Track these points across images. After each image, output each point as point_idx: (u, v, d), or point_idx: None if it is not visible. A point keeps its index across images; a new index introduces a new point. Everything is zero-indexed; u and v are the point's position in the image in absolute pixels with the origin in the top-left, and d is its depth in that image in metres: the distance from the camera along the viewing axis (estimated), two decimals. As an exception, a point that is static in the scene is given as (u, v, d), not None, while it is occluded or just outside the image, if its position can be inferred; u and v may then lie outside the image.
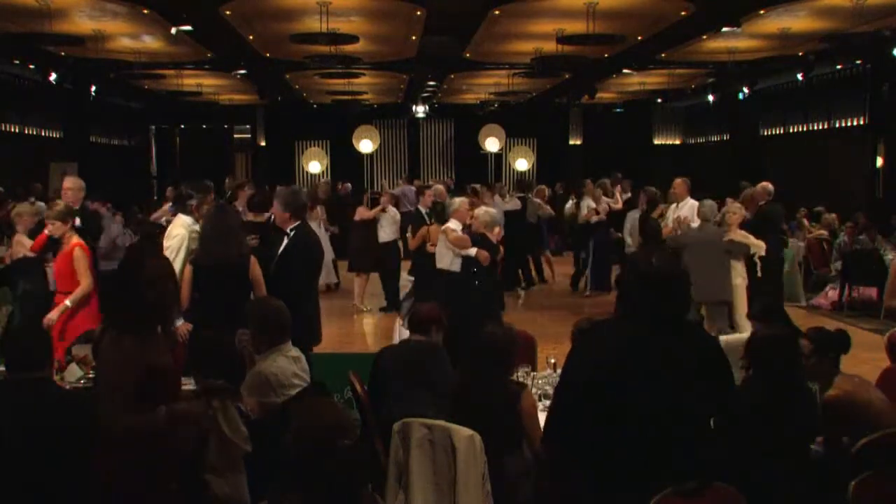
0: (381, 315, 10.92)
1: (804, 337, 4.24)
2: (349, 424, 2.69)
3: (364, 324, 10.76)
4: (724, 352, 3.18)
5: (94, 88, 17.19)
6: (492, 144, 22.23)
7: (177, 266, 5.92)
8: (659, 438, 2.89)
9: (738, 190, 11.07)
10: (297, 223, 6.05)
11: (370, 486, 4.21)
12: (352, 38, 11.54)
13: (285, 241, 6.01)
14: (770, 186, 9.89)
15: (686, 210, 9.57)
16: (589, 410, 2.96)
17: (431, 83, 19.01)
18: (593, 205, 12.14)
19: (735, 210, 8.15)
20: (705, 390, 3.00)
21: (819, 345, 4.13)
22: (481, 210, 7.94)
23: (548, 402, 4.52)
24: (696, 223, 8.68)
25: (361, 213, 11.22)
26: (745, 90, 18.12)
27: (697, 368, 3.00)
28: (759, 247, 7.94)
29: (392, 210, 11.37)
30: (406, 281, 10.18)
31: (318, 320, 6.09)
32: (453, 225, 7.68)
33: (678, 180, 10.02)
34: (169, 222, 7.22)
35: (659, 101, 22.46)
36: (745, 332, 5.77)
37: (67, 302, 5.87)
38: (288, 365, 4.39)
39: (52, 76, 14.48)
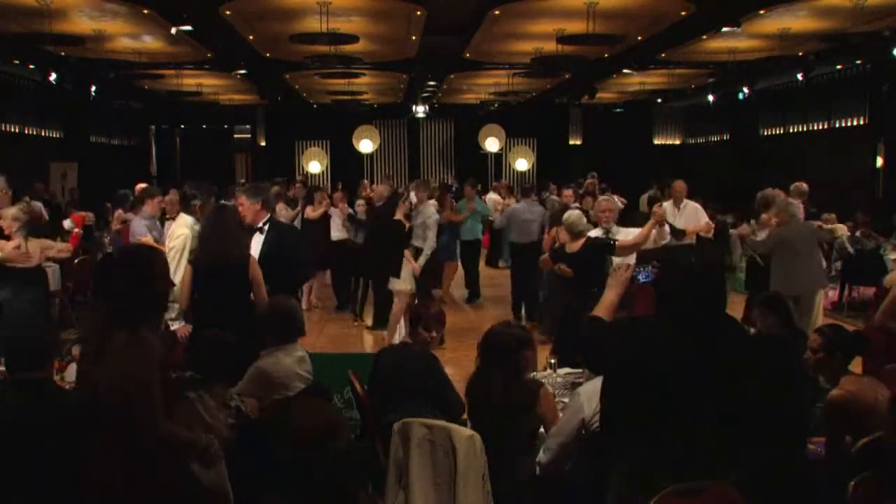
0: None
1: (816, 331, 4.24)
2: (342, 426, 2.69)
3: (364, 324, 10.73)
4: (760, 349, 3.14)
5: (94, 88, 17.21)
6: (492, 144, 22.24)
7: (181, 267, 5.90)
8: (705, 438, 2.89)
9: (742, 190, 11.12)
10: (268, 216, 5.96)
11: (370, 485, 4.23)
12: (352, 38, 11.53)
13: (260, 238, 5.85)
14: (804, 186, 9.91)
15: (689, 211, 9.57)
16: (633, 411, 2.95)
17: (431, 83, 19.01)
18: None
19: None
20: (747, 388, 2.98)
21: (829, 341, 4.12)
22: (567, 214, 7.03)
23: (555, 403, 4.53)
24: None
25: (308, 212, 11.03)
26: (745, 90, 18.13)
27: (739, 367, 2.99)
28: (843, 229, 8.95)
29: (344, 208, 11.31)
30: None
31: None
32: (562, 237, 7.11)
33: (681, 182, 10.05)
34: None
35: (659, 101, 22.46)
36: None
37: None
38: (290, 364, 4.40)
39: (52, 76, 14.48)
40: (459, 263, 12.34)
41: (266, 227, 5.89)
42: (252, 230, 5.88)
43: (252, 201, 5.86)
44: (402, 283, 8.78)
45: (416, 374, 4.39)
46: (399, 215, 8.98)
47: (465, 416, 4.22)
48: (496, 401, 3.90)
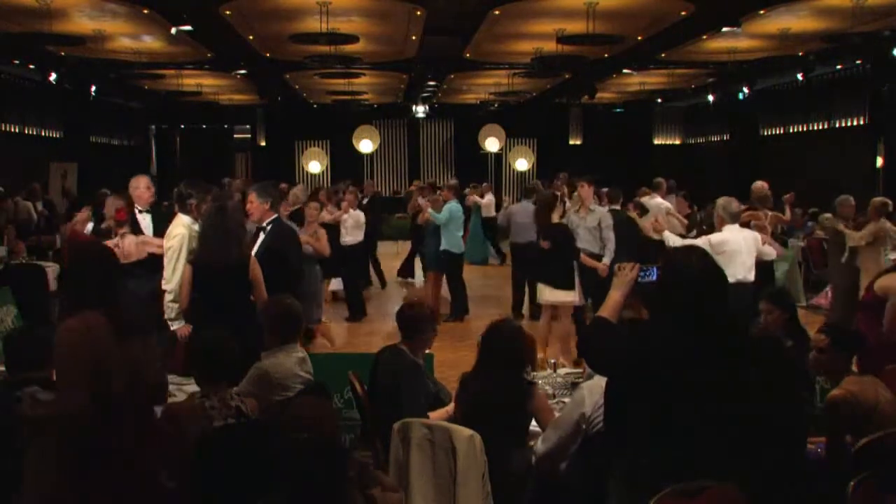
0: (386, 318, 10.82)
1: (820, 331, 4.23)
2: (334, 425, 2.69)
3: (365, 324, 10.73)
4: (762, 347, 3.16)
5: (94, 88, 17.21)
6: (492, 144, 22.26)
7: (178, 267, 5.88)
8: (707, 438, 2.89)
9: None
10: (274, 217, 5.99)
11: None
12: (352, 38, 11.54)
13: (262, 237, 5.86)
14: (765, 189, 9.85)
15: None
16: (635, 412, 2.95)
17: (431, 83, 19.01)
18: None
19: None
20: (748, 388, 2.99)
21: (836, 341, 4.12)
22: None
23: (549, 402, 4.53)
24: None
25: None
26: (745, 90, 18.14)
27: (741, 367, 2.98)
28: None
29: (356, 213, 10.97)
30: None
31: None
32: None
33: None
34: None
35: (659, 101, 22.47)
36: None
37: None
38: (291, 365, 4.39)
39: (52, 76, 14.48)
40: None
41: (269, 227, 5.92)
42: (256, 229, 5.92)
43: (262, 200, 5.90)
44: (572, 295, 7.76)
45: (392, 378, 4.42)
46: (556, 217, 8.03)
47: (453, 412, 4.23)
48: (495, 397, 3.90)
